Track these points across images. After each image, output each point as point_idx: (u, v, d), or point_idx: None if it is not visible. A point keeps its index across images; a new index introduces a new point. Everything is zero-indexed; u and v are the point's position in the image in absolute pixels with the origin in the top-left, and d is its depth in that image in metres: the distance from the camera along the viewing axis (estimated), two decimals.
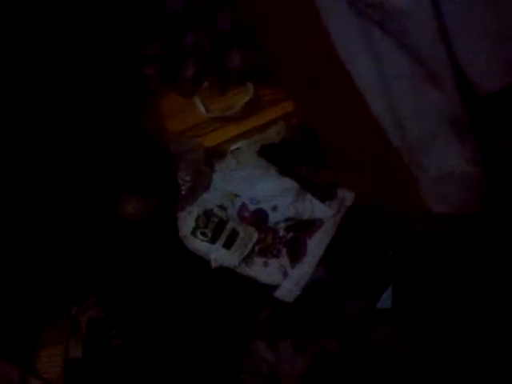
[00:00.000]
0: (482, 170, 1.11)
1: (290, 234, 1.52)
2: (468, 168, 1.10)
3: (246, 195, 1.56)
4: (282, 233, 1.53)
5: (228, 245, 1.50)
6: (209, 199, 1.57)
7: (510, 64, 1.02)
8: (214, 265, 1.49)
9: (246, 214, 1.55)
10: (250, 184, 1.56)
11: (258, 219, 1.54)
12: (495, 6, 0.98)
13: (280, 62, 1.44)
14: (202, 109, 1.58)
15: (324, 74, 1.27)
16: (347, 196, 1.55)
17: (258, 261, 1.51)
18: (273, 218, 1.53)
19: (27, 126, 1.43)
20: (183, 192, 1.57)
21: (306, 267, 1.48)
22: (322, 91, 1.34)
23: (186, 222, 1.53)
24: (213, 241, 1.50)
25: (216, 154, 1.63)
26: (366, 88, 1.12)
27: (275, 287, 1.47)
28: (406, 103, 1.07)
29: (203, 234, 1.51)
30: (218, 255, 1.50)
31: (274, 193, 1.53)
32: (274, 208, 1.53)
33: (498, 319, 1.30)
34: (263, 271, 1.50)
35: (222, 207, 1.55)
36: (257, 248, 1.51)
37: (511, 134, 1.09)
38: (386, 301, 1.42)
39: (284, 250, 1.51)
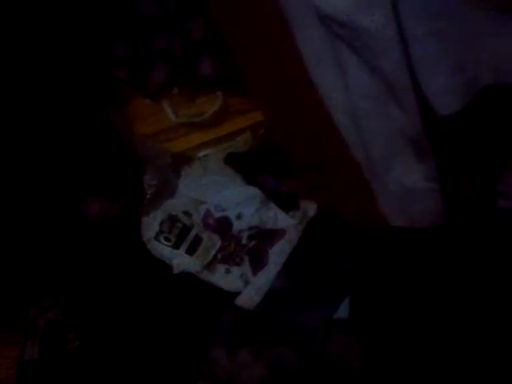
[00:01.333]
0: (438, 186, 1.16)
1: (253, 243, 1.54)
2: (426, 184, 1.15)
3: (212, 202, 1.57)
4: (244, 241, 1.55)
5: (191, 251, 1.51)
6: (174, 205, 1.58)
7: (468, 86, 1.08)
8: (176, 270, 1.50)
9: (211, 221, 1.56)
10: (216, 191, 1.58)
11: (222, 226, 1.55)
12: (454, 30, 1.03)
13: (249, 71, 1.46)
14: (170, 114, 1.59)
15: (292, 86, 1.31)
16: (310, 207, 1.58)
17: (221, 268, 1.52)
18: (237, 225, 1.55)
19: None
20: (148, 196, 1.57)
21: (267, 275, 1.50)
22: (290, 102, 1.37)
23: (150, 226, 1.54)
24: (176, 246, 1.51)
25: (183, 160, 1.64)
26: (332, 103, 1.16)
27: (236, 294, 1.48)
28: (369, 121, 1.11)
29: (167, 238, 1.51)
30: (181, 260, 1.50)
31: (239, 200, 1.55)
32: (239, 216, 1.55)
33: (459, 330, 1.34)
34: (225, 278, 1.51)
35: (186, 213, 1.56)
36: (220, 255, 1.53)
37: (464, 151, 1.15)
38: (343, 311, 1.45)
39: (246, 258, 1.53)
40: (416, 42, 1.01)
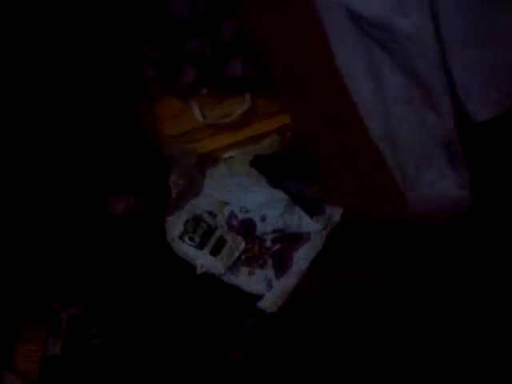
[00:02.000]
0: (470, 193, 1.15)
1: (277, 246, 1.53)
2: (458, 192, 1.14)
3: (236, 204, 1.57)
4: (268, 244, 1.54)
5: (215, 252, 1.51)
6: (199, 205, 1.58)
7: (504, 95, 1.06)
8: (199, 270, 1.50)
9: (235, 223, 1.56)
10: (241, 193, 1.57)
11: (247, 228, 1.55)
12: (492, 40, 1.02)
13: (279, 74, 1.46)
14: (198, 115, 1.59)
15: (323, 89, 1.30)
16: (335, 212, 1.57)
17: (244, 270, 1.51)
18: (261, 228, 1.54)
19: (18, 121, 1.42)
20: (174, 196, 1.58)
21: (290, 279, 1.49)
22: (318, 105, 1.37)
23: (175, 225, 1.54)
24: (200, 246, 1.51)
25: (209, 161, 1.64)
26: (364, 106, 1.15)
27: (259, 297, 1.48)
28: (402, 125, 1.10)
29: (191, 238, 1.51)
30: (205, 261, 1.50)
31: (263, 203, 1.55)
32: (263, 218, 1.55)
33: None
34: (248, 280, 1.50)
35: (211, 214, 1.56)
36: (243, 257, 1.52)
37: (500, 160, 1.13)
38: None
39: (270, 261, 1.52)
40: (454, 47, 1.00)
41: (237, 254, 1.51)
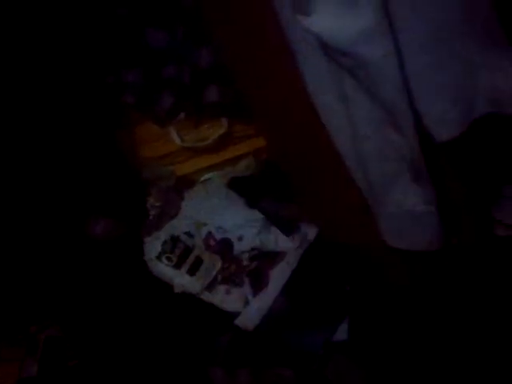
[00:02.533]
0: (436, 210, 1.21)
1: (254, 264, 1.56)
2: (425, 207, 1.19)
3: (214, 224, 1.61)
4: (245, 262, 1.57)
5: (192, 271, 1.53)
6: (176, 226, 1.61)
7: (465, 115, 1.13)
8: (176, 290, 1.52)
9: (212, 243, 1.59)
10: (218, 214, 1.62)
11: (224, 248, 1.58)
12: (453, 68, 1.09)
13: (253, 98, 1.52)
14: (176, 138, 1.64)
15: (293, 112, 1.36)
16: (310, 231, 1.62)
17: (221, 288, 1.54)
18: (238, 247, 1.58)
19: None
20: (151, 217, 1.61)
21: (267, 297, 1.52)
22: (290, 128, 1.42)
23: (153, 246, 1.56)
24: (177, 266, 1.54)
25: (186, 183, 1.68)
26: (333, 127, 1.21)
27: (236, 315, 1.50)
28: (369, 145, 1.16)
29: (168, 258, 1.54)
30: (182, 281, 1.52)
31: (240, 223, 1.59)
32: (240, 238, 1.58)
33: (460, 355, 1.36)
34: (225, 299, 1.53)
35: (188, 234, 1.59)
36: (220, 276, 1.55)
37: (462, 177, 1.20)
38: (342, 333, 1.47)
39: (247, 280, 1.55)
40: (416, 71, 1.07)
41: (214, 273, 1.54)
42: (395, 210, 1.24)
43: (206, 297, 1.53)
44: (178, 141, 1.64)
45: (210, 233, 1.60)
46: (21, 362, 1.39)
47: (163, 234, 1.58)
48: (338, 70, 1.13)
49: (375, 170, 1.20)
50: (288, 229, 1.60)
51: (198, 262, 1.55)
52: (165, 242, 1.56)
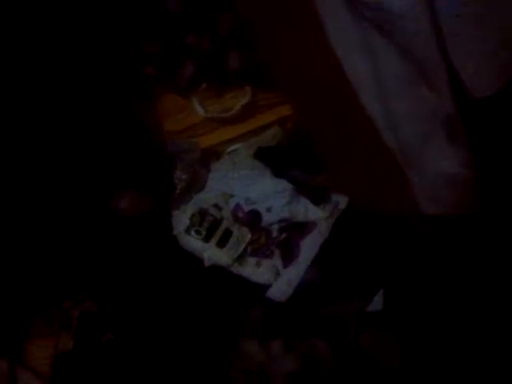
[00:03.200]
0: (474, 172, 1.14)
1: (283, 235, 1.53)
2: (460, 170, 1.13)
3: (241, 196, 1.57)
4: (275, 234, 1.54)
5: (221, 244, 1.51)
6: (204, 199, 1.58)
7: (503, 69, 1.05)
8: (206, 263, 1.50)
9: (241, 214, 1.56)
10: (246, 185, 1.58)
11: (252, 220, 1.55)
12: (492, 14, 1.01)
13: (277, 64, 1.46)
14: (199, 109, 1.60)
15: (320, 76, 1.30)
16: (341, 199, 1.57)
17: (251, 261, 1.52)
18: (267, 218, 1.54)
19: (23, 121, 1.44)
20: (179, 190, 1.59)
21: (298, 268, 1.49)
22: (318, 93, 1.37)
23: (181, 220, 1.55)
24: (206, 239, 1.52)
25: (212, 155, 1.65)
26: (362, 88, 1.15)
27: (267, 287, 1.48)
28: (400, 104, 1.09)
29: (197, 232, 1.52)
30: (212, 254, 1.51)
31: (268, 194, 1.55)
32: (269, 209, 1.55)
33: (493, 323, 1.30)
34: (256, 271, 1.50)
35: (217, 207, 1.57)
36: (250, 248, 1.53)
37: (502, 136, 1.12)
38: (377, 303, 1.43)
39: (277, 251, 1.52)
40: (451, 24, 0.99)
41: (243, 246, 1.52)
42: (429, 173, 1.17)
43: (237, 269, 1.51)
44: (201, 112, 1.60)
45: (238, 204, 1.57)
46: (56, 337, 1.41)
47: (191, 208, 1.56)
48: (364, 25, 1.07)
49: (407, 132, 1.14)
50: (318, 198, 1.56)
51: (227, 234, 1.52)
52: (193, 216, 1.54)
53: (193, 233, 1.52)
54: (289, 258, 1.50)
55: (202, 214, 1.54)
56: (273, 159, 1.62)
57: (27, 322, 1.44)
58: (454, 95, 1.06)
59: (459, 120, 1.10)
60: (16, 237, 1.46)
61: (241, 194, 1.57)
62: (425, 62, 1.02)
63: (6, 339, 1.40)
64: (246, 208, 1.56)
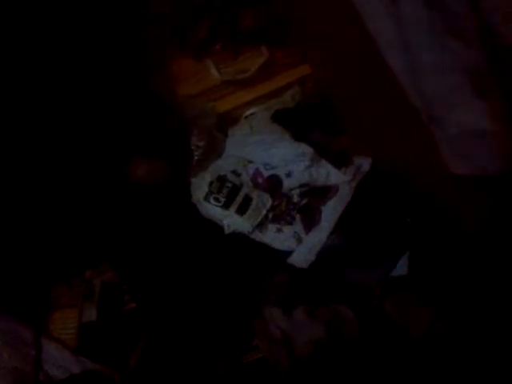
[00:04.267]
0: (506, 126, 1.06)
1: (305, 201, 1.49)
2: (491, 124, 1.05)
3: (260, 161, 1.53)
4: (296, 199, 1.50)
5: (241, 211, 1.48)
6: (222, 165, 1.54)
7: None
8: (227, 230, 1.47)
9: (260, 180, 1.52)
10: (264, 150, 1.53)
11: (272, 185, 1.51)
12: None
13: (296, 21, 1.39)
14: (214, 72, 1.54)
15: (340, 32, 1.23)
16: (364, 162, 1.51)
17: (272, 227, 1.48)
18: (287, 184, 1.50)
19: (39, 88, 1.41)
20: (196, 157, 1.55)
21: (320, 233, 1.45)
22: (339, 51, 1.30)
23: (199, 187, 1.51)
24: (226, 206, 1.48)
25: (229, 120, 1.60)
26: (384, 40, 1.07)
27: (289, 253, 1.45)
28: (425, 55, 1.01)
29: (216, 199, 1.49)
30: (232, 221, 1.48)
31: (288, 158, 1.50)
32: (289, 174, 1.50)
33: None
34: (277, 237, 1.47)
35: (235, 173, 1.53)
36: (270, 214, 1.49)
37: None
38: (401, 268, 1.38)
39: (298, 217, 1.48)
40: None
41: (264, 212, 1.48)
42: (458, 130, 1.10)
43: (258, 236, 1.48)
44: (216, 75, 1.54)
45: (257, 170, 1.53)
46: (79, 307, 1.42)
47: (209, 175, 1.52)
48: None
49: (433, 86, 1.06)
50: (340, 161, 1.50)
51: (247, 200, 1.49)
52: (211, 183, 1.51)
53: (212, 200, 1.49)
54: (310, 223, 1.46)
55: (221, 180, 1.50)
56: (292, 122, 1.56)
57: (50, 292, 1.45)
58: (483, 44, 0.98)
59: (489, 71, 1.02)
60: (39, 206, 1.45)
61: (260, 159, 1.52)
62: (451, 10, 0.94)
63: (30, 309, 1.41)
64: (266, 173, 1.51)
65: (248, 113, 1.60)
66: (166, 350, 1.39)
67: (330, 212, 1.45)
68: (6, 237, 1.42)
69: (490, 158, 1.15)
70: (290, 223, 1.47)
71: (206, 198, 1.50)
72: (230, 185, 1.50)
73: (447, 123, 1.11)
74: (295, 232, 1.47)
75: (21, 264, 1.42)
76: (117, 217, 1.50)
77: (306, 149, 1.50)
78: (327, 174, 1.50)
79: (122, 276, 1.49)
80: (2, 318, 1.40)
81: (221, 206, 1.48)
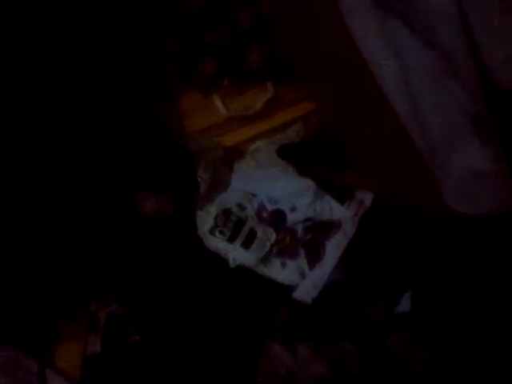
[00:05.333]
0: (506, 167, 1.08)
1: (308, 235, 1.51)
2: (491, 166, 1.07)
3: (265, 195, 1.55)
4: (300, 234, 1.51)
5: (246, 244, 1.49)
6: (227, 198, 1.56)
7: None
8: (232, 264, 1.49)
9: (265, 214, 1.54)
10: (269, 184, 1.55)
11: (277, 219, 1.52)
12: None
13: (301, 59, 1.42)
14: (221, 107, 1.57)
15: (346, 72, 1.26)
16: (366, 197, 1.53)
17: (276, 261, 1.50)
18: (291, 218, 1.52)
19: (44, 123, 1.44)
20: (202, 191, 1.57)
21: (324, 268, 1.46)
22: (345, 89, 1.33)
23: (205, 220, 1.53)
24: (231, 240, 1.50)
25: (235, 154, 1.62)
26: (388, 84, 1.10)
27: (293, 288, 1.46)
28: (427, 98, 1.05)
29: (222, 232, 1.51)
30: (237, 254, 1.49)
31: (292, 193, 1.52)
32: (293, 208, 1.52)
33: None
34: (281, 272, 1.49)
35: (240, 206, 1.55)
36: (275, 249, 1.50)
37: None
38: (405, 304, 1.39)
39: (302, 251, 1.49)
40: (478, 14, 0.94)
41: (268, 246, 1.50)
42: (459, 171, 1.12)
43: (262, 270, 1.49)
44: (222, 110, 1.57)
45: (261, 204, 1.55)
46: (84, 339, 1.43)
47: (215, 208, 1.54)
48: (387, 16, 1.02)
49: (435, 127, 1.09)
50: (343, 196, 1.52)
51: (252, 234, 1.50)
52: (217, 216, 1.53)
53: (217, 233, 1.51)
54: (314, 258, 1.47)
55: (226, 214, 1.52)
56: (296, 157, 1.59)
57: (56, 324, 1.46)
58: (484, 89, 1.01)
59: (489, 115, 1.04)
60: (43, 238, 1.47)
61: (264, 193, 1.55)
62: (453, 56, 0.98)
63: (35, 341, 1.42)
64: (270, 208, 1.53)
65: (253, 147, 1.62)
66: (169, 383, 1.40)
67: (334, 247, 1.47)
68: (12, 268, 1.44)
69: (491, 198, 1.18)
70: (294, 258, 1.49)
71: (212, 232, 1.51)
72: (234, 218, 1.52)
73: (448, 164, 1.14)
74: (299, 267, 1.48)
75: (26, 296, 1.43)
76: (122, 250, 1.51)
77: (310, 183, 1.53)
78: (330, 208, 1.52)
79: (127, 308, 1.50)
80: (6, 350, 1.41)
81: (226, 240, 1.50)
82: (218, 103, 1.58)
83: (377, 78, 1.15)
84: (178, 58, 1.55)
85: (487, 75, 1.01)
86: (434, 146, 1.15)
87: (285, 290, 1.46)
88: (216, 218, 1.53)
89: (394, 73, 1.10)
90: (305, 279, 1.45)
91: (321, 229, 1.50)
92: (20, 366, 1.40)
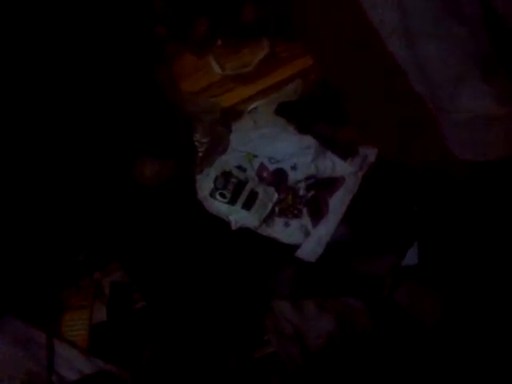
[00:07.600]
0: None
1: (311, 193, 1.48)
2: (497, 109, 1.04)
3: (265, 155, 1.52)
4: (302, 192, 1.49)
5: (248, 206, 1.47)
6: (227, 160, 1.54)
7: None
8: (234, 226, 1.47)
9: (265, 174, 1.51)
10: (269, 143, 1.52)
11: (278, 179, 1.50)
12: None
13: (299, 12, 1.38)
14: (216, 67, 1.53)
15: (341, 20, 1.22)
16: (370, 152, 1.50)
17: (279, 221, 1.48)
18: (292, 177, 1.49)
19: (43, 86, 1.41)
20: (200, 154, 1.54)
21: (327, 226, 1.44)
22: (339, 40, 1.28)
23: (205, 183, 1.51)
24: (232, 202, 1.48)
25: (233, 115, 1.59)
26: (386, 29, 1.06)
27: (297, 247, 1.44)
28: (429, 43, 1.00)
29: (222, 195, 1.48)
30: (238, 216, 1.47)
31: (293, 151, 1.49)
32: (294, 167, 1.49)
33: None
34: (284, 231, 1.47)
35: (240, 168, 1.52)
36: (277, 208, 1.48)
37: None
38: (411, 257, 1.37)
39: (305, 210, 1.47)
40: None
41: (270, 206, 1.47)
42: (465, 116, 1.09)
43: (265, 231, 1.47)
44: (218, 70, 1.53)
45: (262, 164, 1.52)
46: (90, 308, 1.42)
47: (214, 170, 1.52)
48: None
49: (438, 74, 1.05)
50: (345, 152, 1.49)
51: (253, 195, 1.48)
52: (216, 178, 1.50)
53: (218, 196, 1.48)
54: (317, 216, 1.45)
55: (226, 176, 1.50)
56: (296, 114, 1.55)
57: (61, 294, 1.45)
58: (489, 28, 0.96)
59: (496, 55, 1.00)
60: (47, 208, 1.45)
61: (264, 153, 1.51)
62: None
63: (41, 312, 1.41)
64: (271, 167, 1.51)
65: (251, 107, 1.59)
66: (177, 347, 1.39)
67: (338, 204, 1.44)
68: (14, 241, 1.42)
69: (495, 143, 1.14)
70: (297, 216, 1.47)
71: (212, 195, 1.49)
72: (235, 180, 1.50)
73: (452, 110, 1.10)
74: (302, 225, 1.46)
75: (30, 267, 1.42)
76: (124, 217, 1.50)
77: (311, 141, 1.49)
78: (333, 165, 1.49)
79: (131, 275, 1.49)
80: (13, 322, 1.41)
81: (227, 202, 1.48)
82: (213, 63, 1.53)
83: (375, 23, 1.10)
84: (170, 19, 1.50)
85: (492, 13, 0.96)
86: (437, 92, 1.11)
87: (289, 249, 1.44)
88: (216, 181, 1.50)
89: (393, 16, 1.05)
90: (309, 237, 1.43)
91: (323, 186, 1.47)
92: (29, 337, 1.39)
